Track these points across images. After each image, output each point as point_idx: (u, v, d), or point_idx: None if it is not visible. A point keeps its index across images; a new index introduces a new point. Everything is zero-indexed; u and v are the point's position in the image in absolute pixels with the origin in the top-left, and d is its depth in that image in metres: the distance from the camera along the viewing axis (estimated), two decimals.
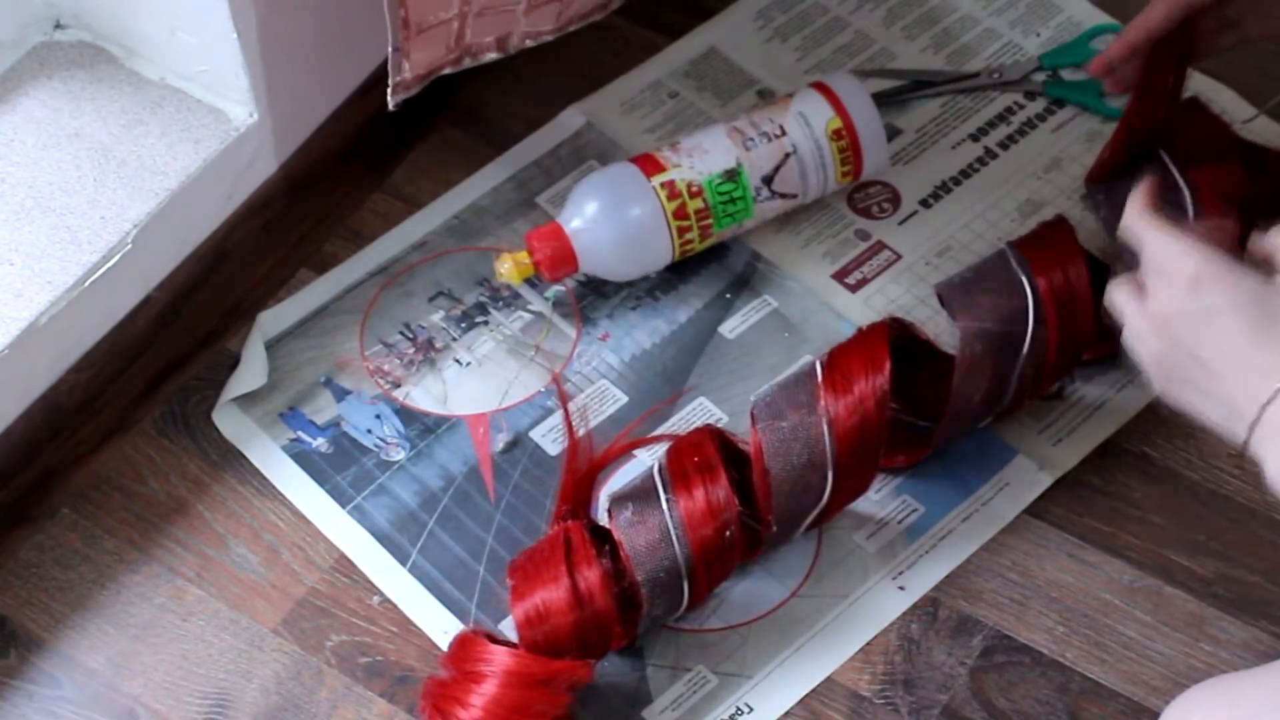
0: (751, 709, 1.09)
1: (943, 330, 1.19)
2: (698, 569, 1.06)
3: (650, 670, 1.10)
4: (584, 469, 1.10)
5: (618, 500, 1.08)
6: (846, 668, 1.10)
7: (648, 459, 1.16)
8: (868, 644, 1.11)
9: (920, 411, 1.15)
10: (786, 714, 1.09)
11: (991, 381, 1.12)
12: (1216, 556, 1.13)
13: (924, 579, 1.13)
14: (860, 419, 1.07)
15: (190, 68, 1.21)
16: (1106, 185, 1.24)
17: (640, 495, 1.07)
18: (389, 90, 1.19)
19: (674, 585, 1.06)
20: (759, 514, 1.09)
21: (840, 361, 1.09)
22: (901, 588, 1.13)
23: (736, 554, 1.08)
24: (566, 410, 1.17)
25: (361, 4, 1.23)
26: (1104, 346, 1.18)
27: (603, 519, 1.10)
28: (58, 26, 1.24)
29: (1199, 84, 1.33)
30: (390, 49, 1.16)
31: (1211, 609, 1.11)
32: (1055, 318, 1.12)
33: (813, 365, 1.10)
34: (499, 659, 1.03)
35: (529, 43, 1.24)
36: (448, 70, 1.22)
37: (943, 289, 1.16)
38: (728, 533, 1.06)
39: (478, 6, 1.18)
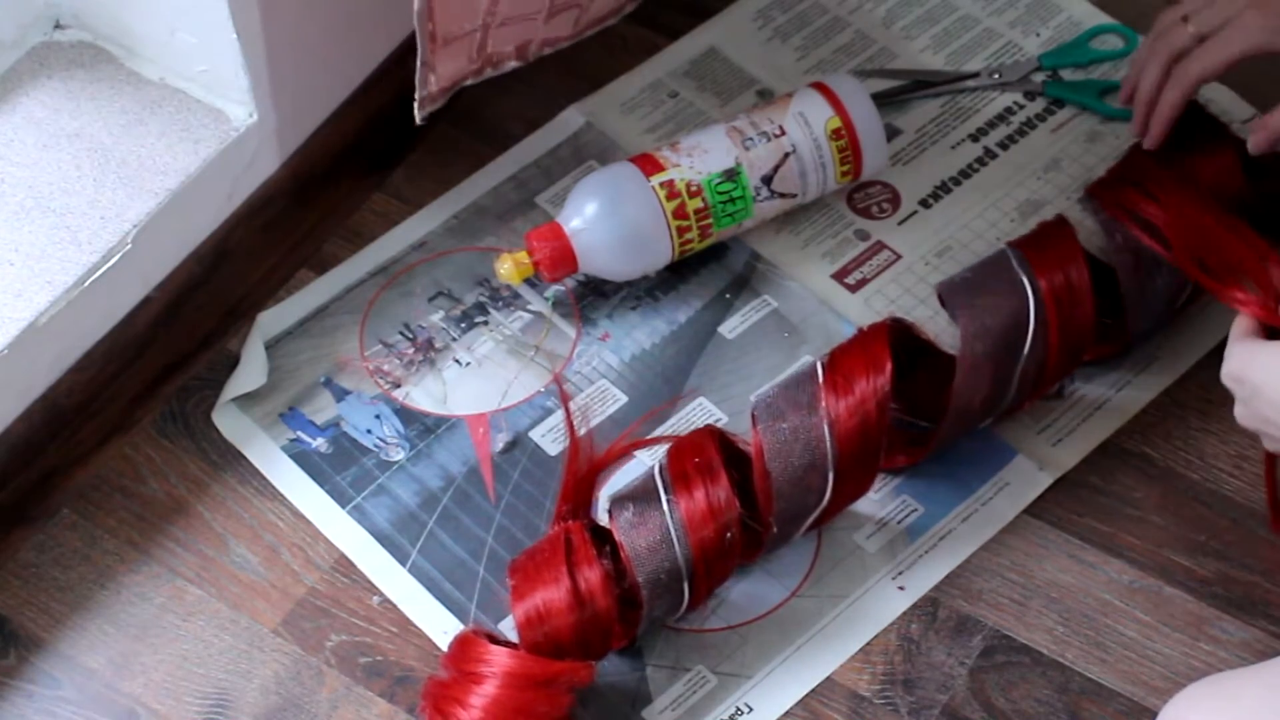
0: (751, 709, 1.09)
1: (942, 330, 1.19)
2: (698, 570, 1.06)
3: (650, 670, 1.10)
4: (584, 469, 1.10)
5: (618, 501, 1.08)
6: (846, 668, 1.10)
7: (648, 459, 1.16)
8: (868, 644, 1.11)
9: (920, 411, 1.15)
10: (786, 714, 1.09)
11: (992, 382, 1.12)
12: (1216, 556, 1.13)
13: (924, 579, 1.13)
14: (861, 420, 1.07)
15: (190, 68, 1.21)
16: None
17: (641, 496, 1.07)
18: (415, 104, 1.19)
19: (674, 586, 1.06)
20: (759, 515, 1.09)
21: (841, 362, 1.09)
22: (901, 588, 1.13)
23: (736, 555, 1.08)
24: (568, 410, 1.17)
25: (361, 4, 1.23)
26: (1105, 347, 1.18)
27: (603, 519, 1.10)
28: (58, 26, 1.24)
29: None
30: (419, 63, 1.16)
31: (1211, 609, 1.11)
32: (1056, 318, 1.12)
33: (813, 366, 1.10)
34: (499, 660, 1.03)
35: (547, 50, 1.25)
36: (470, 81, 1.22)
37: (943, 289, 1.16)
38: (728, 534, 1.06)
39: (501, 16, 1.18)
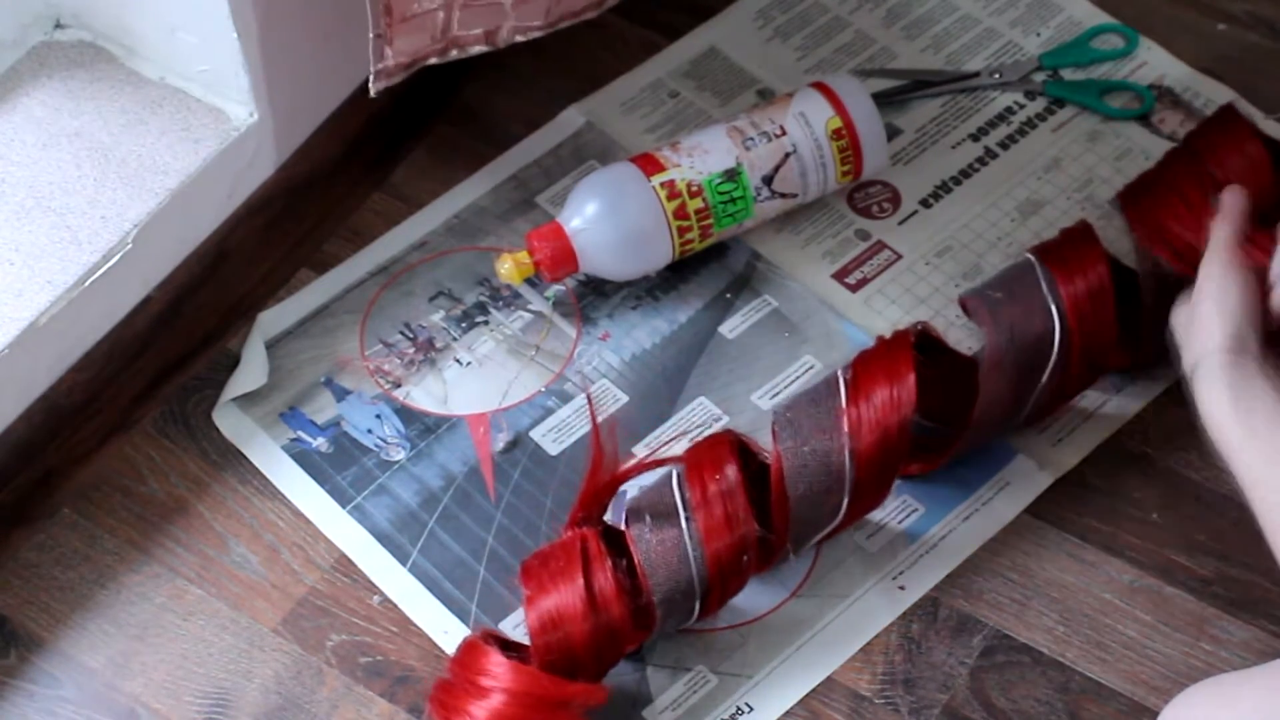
0: (752, 709, 1.09)
1: (944, 330, 1.19)
2: (712, 588, 1.06)
3: (650, 670, 1.10)
4: (605, 479, 1.09)
5: (634, 511, 1.06)
6: (847, 667, 1.10)
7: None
8: (868, 644, 1.11)
9: (932, 414, 1.14)
10: (787, 714, 1.09)
11: (1012, 402, 1.12)
12: (1216, 556, 1.13)
13: (924, 579, 1.13)
14: (882, 442, 1.06)
15: (190, 68, 1.21)
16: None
17: (659, 511, 1.06)
18: (370, 78, 1.18)
19: (687, 605, 1.06)
20: (774, 531, 1.08)
21: (864, 381, 1.08)
22: (902, 588, 1.13)
23: (750, 573, 1.08)
24: (594, 421, 1.16)
25: (361, 4, 1.23)
26: (1123, 357, 1.17)
27: (612, 515, 1.09)
28: (58, 26, 1.24)
29: (1205, 88, 1.33)
30: (371, 35, 1.15)
31: (1211, 609, 1.11)
32: (1080, 341, 1.11)
33: (836, 381, 1.08)
34: (512, 676, 1.02)
35: (519, 37, 1.23)
36: (434, 60, 1.20)
37: (969, 301, 1.15)
38: (745, 557, 1.05)
39: None
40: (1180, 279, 1.13)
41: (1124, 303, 1.14)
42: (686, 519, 1.05)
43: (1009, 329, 1.11)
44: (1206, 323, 1.03)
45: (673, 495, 1.06)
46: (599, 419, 1.20)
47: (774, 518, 1.07)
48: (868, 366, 1.09)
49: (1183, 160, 1.18)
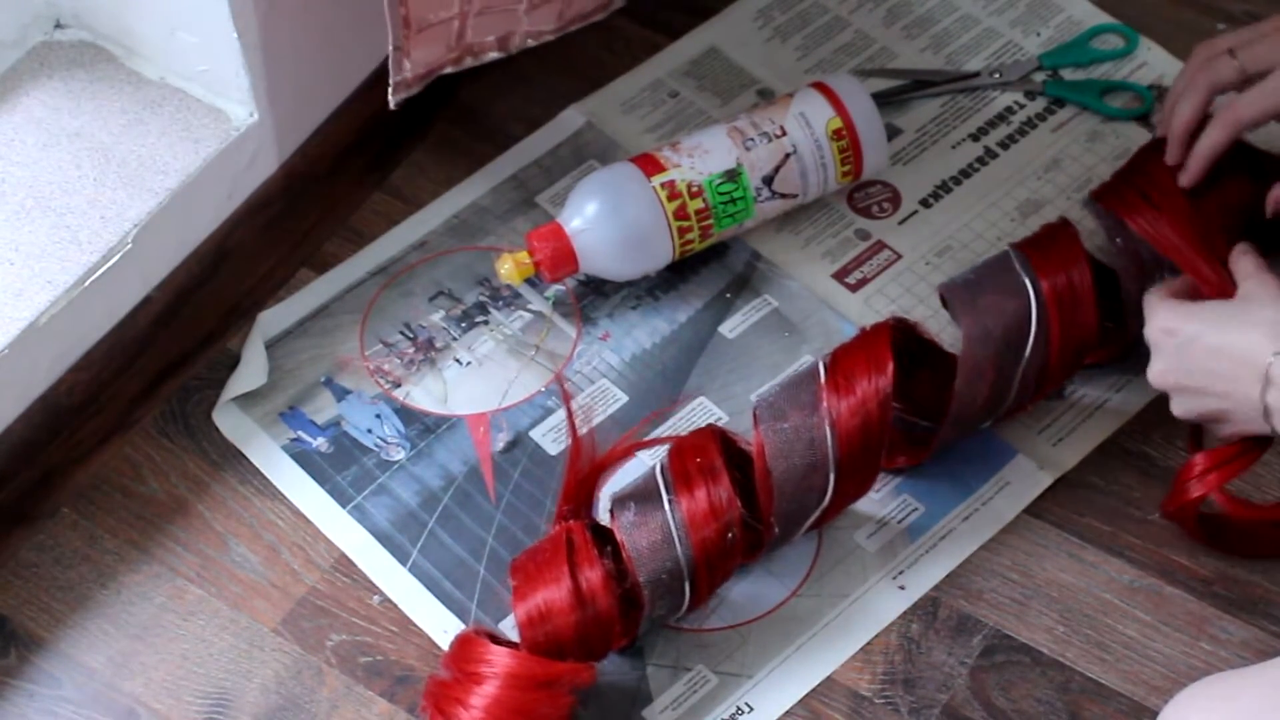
0: (752, 708, 1.09)
1: (942, 329, 1.19)
2: (699, 570, 1.06)
3: (651, 670, 1.10)
4: (586, 469, 1.10)
5: (619, 501, 1.08)
6: (847, 667, 1.10)
7: (649, 459, 1.15)
8: (868, 644, 1.11)
9: (921, 411, 1.15)
10: (787, 713, 1.09)
11: (993, 384, 1.12)
12: (1216, 556, 1.13)
13: (924, 579, 1.13)
14: (863, 420, 1.07)
15: (190, 68, 1.21)
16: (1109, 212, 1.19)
17: (642, 496, 1.07)
18: (390, 89, 1.19)
19: (676, 586, 1.06)
20: (761, 515, 1.09)
21: (843, 362, 1.09)
22: (902, 587, 1.13)
23: (738, 555, 1.08)
24: (570, 411, 1.17)
25: (361, 4, 1.23)
26: (1106, 350, 1.18)
27: (604, 518, 1.10)
28: (58, 26, 1.24)
29: None
30: (391, 48, 1.16)
31: (1211, 609, 1.11)
32: (1058, 320, 1.12)
33: (815, 365, 1.10)
34: (501, 660, 1.03)
35: (530, 42, 1.24)
36: (449, 69, 1.22)
37: (946, 290, 1.16)
38: (730, 534, 1.06)
39: (479, 6, 1.18)
40: (1158, 262, 1.13)
41: (1107, 300, 1.14)
42: (670, 500, 1.06)
43: (985, 309, 1.11)
44: (1245, 337, 1.01)
45: (655, 481, 1.07)
46: (598, 420, 1.20)
47: (759, 497, 1.08)
48: (847, 352, 1.10)
49: (1156, 154, 1.19)
